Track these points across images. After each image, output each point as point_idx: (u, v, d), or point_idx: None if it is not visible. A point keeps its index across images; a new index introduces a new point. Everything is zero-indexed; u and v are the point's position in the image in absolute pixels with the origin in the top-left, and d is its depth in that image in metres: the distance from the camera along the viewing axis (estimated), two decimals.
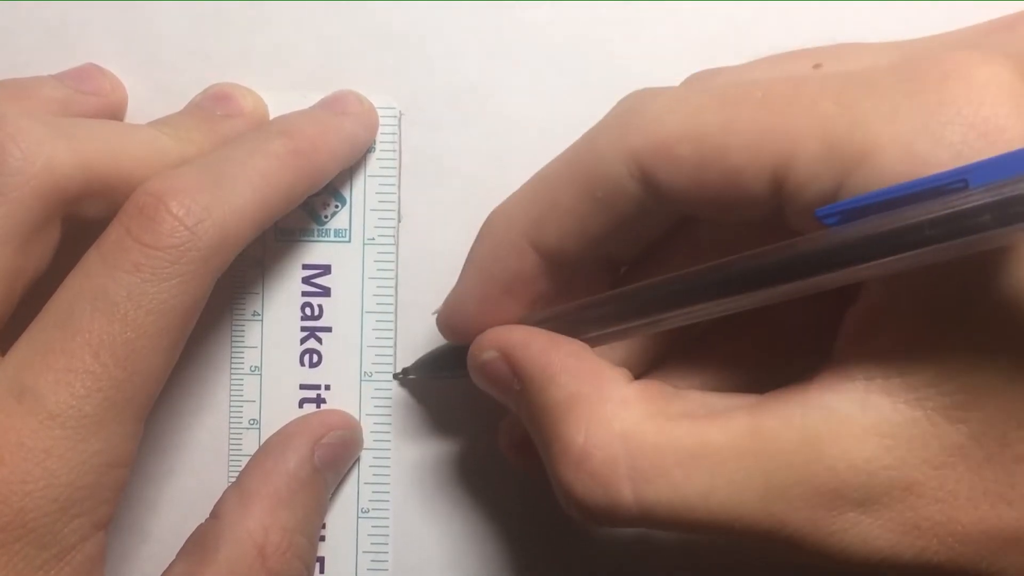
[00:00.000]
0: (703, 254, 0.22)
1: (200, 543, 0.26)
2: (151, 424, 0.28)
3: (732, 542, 0.21)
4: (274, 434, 0.28)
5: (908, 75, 0.19)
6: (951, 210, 0.18)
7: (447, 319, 0.26)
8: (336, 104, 0.28)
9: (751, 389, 0.22)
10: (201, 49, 0.28)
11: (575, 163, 0.23)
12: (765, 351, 0.24)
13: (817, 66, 0.22)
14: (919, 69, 0.19)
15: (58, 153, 0.23)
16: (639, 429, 0.21)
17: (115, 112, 0.28)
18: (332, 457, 0.27)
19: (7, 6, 0.28)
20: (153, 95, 0.28)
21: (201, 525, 0.26)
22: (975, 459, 0.20)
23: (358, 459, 0.29)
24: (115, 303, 0.22)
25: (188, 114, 0.27)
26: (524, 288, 0.24)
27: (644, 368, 0.25)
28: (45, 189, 0.23)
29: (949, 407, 0.19)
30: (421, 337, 0.29)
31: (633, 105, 0.22)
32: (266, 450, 0.27)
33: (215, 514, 0.26)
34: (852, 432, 0.20)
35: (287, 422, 0.28)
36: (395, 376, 0.29)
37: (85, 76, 0.27)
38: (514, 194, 0.24)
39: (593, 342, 0.24)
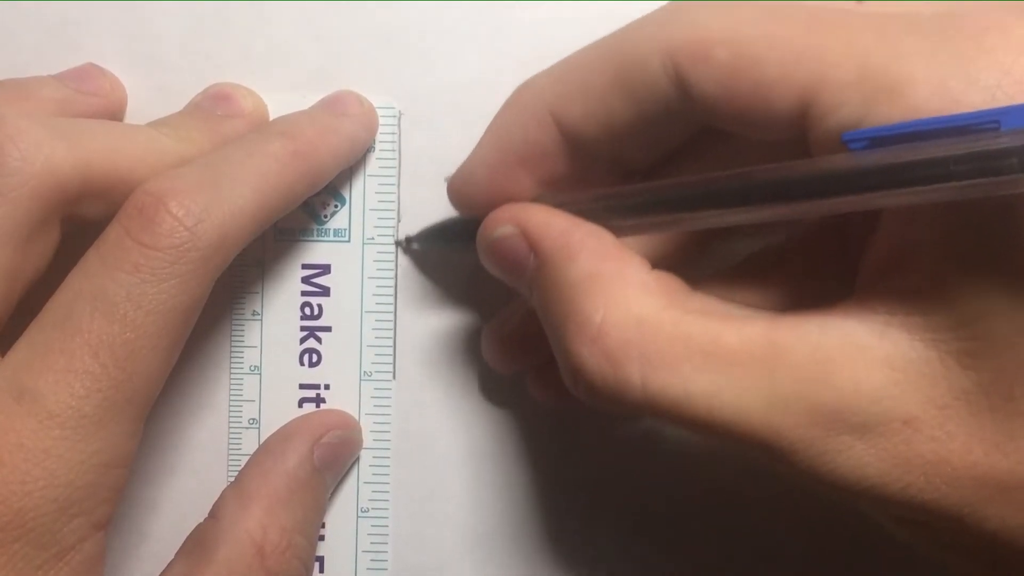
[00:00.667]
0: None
1: (199, 543, 0.26)
2: (151, 423, 0.28)
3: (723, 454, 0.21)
4: (273, 434, 0.28)
5: (949, 23, 0.20)
6: (979, 149, 0.18)
7: (459, 185, 0.26)
8: (336, 105, 0.28)
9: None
10: (201, 49, 0.28)
11: (612, 50, 0.23)
12: (785, 279, 0.25)
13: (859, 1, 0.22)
14: (960, 19, 0.20)
15: (57, 154, 0.23)
16: (656, 317, 0.21)
17: (115, 112, 0.28)
18: (331, 457, 0.27)
19: (7, 6, 0.28)
20: (153, 95, 0.28)
21: (200, 525, 0.26)
22: (979, 406, 0.20)
23: (358, 458, 0.29)
24: (114, 303, 0.22)
25: (188, 114, 0.27)
26: (539, 162, 0.24)
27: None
28: (44, 190, 0.23)
29: (963, 352, 0.20)
30: (421, 337, 0.29)
31: (678, 4, 0.22)
32: (265, 450, 0.27)
33: (214, 514, 0.26)
34: (865, 359, 0.20)
35: (287, 422, 0.28)
36: (397, 243, 0.29)
37: (85, 76, 0.27)
38: (545, 70, 0.24)
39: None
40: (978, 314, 0.19)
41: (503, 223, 0.24)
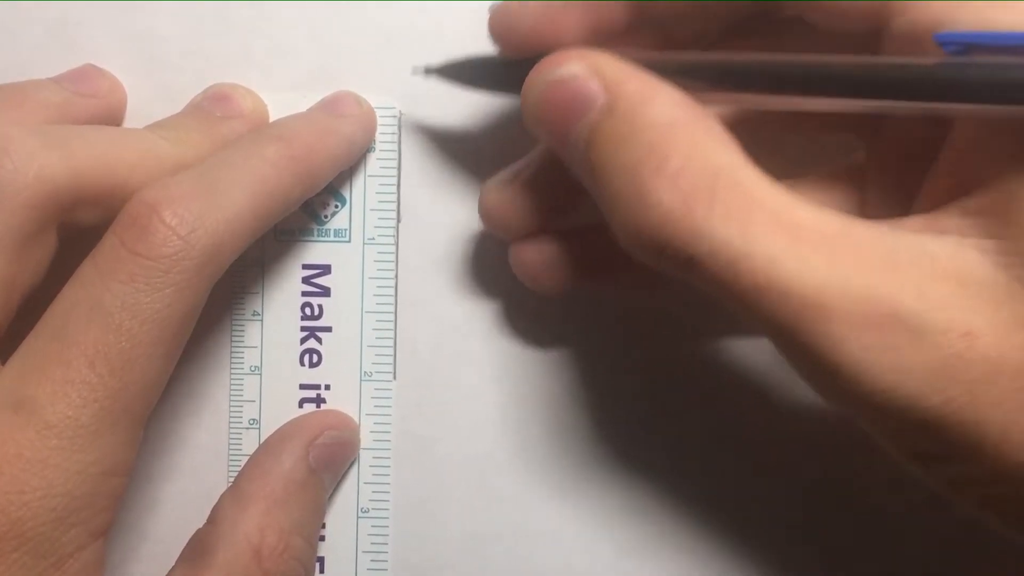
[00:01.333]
0: None
1: (198, 548, 0.26)
2: (151, 424, 0.28)
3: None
4: (270, 436, 0.28)
5: None
6: None
7: (505, 12, 0.24)
8: (334, 106, 0.28)
9: None
10: (201, 49, 0.28)
11: None
12: (845, 197, 0.24)
13: None
14: None
15: (50, 163, 0.23)
16: (736, 172, 0.20)
17: (115, 113, 0.28)
18: (328, 457, 0.27)
19: (7, 6, 0.28)
20: (153, 95, 0.28)
21: (199, 530, 0.26)
22: None
23: (358, 459, 0.29)
24: (110, 313, 0.22)
25: (187, 115, 0.27)
26: (598, 8, 0.23)
27: None
28: (37, 199, 0.23)
29: None
30: (421, 337, 0.29)
31: None
32: (262, 453, 0.27)
33: (212, 518, 0.26)
34: (933, 269, 0.20)
35: (285, 423, 0.28)
36: (416, 70, 0.27)
37: (83, 77, 0.27)
38: None
39: None
40: None
41: (571, 61, 0.22)
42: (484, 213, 0.27)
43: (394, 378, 0.29)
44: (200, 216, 0.23)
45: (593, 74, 0.22)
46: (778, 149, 0.26)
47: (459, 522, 0.29)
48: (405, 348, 0.29)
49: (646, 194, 0.20)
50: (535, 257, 0.27)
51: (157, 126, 0.26)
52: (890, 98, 0.20)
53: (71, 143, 0.24)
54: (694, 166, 0.20)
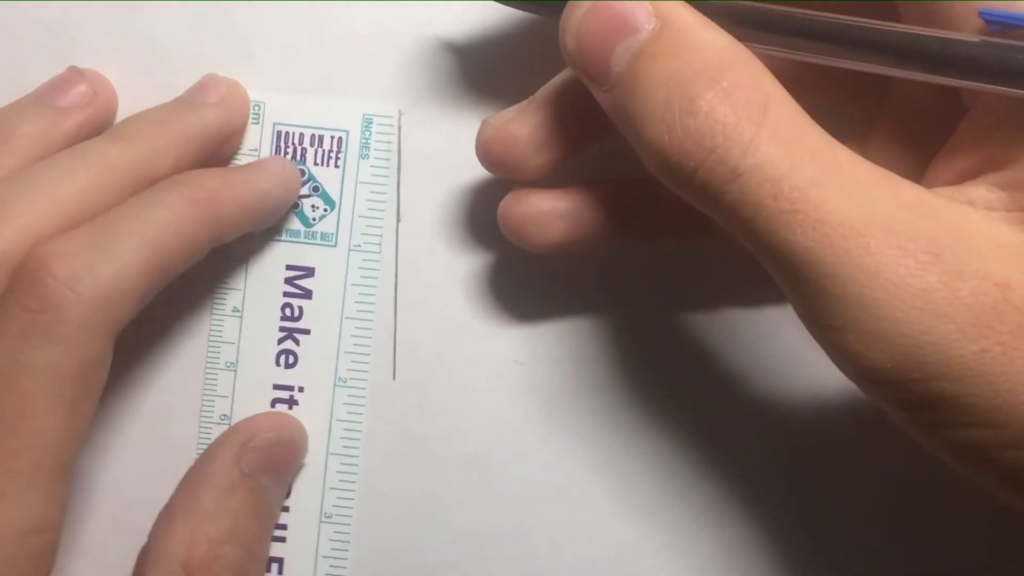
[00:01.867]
0: None
1: (136, 568, 0.27)
2: (127, 418, 0.29)
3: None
4: (205, 450, 0.28)
5: None
6: None
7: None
8: (257, 165, 0.28)
9: None
10: (201, 49, 0.29)
11: None
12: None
13: None
14: None
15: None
16: (787, 101, 0.20)
17: (105, 116, 0.28)
18: (265, 461, 0.28)
19: (7, 6, 0.29)
20: (153, 95, 0.29)
21: (142, 548, 0.27)
22: None
23: (325, 464, 0.29)
24: (3, 372, 0.22)
25: (156, 108, 0.27)
26: None
27: None
28: None
29: None
30: (421, 337, 0.29)
31: None
32: (194, 464, 0.28)
33: (148, 535, 0.27)
34: (969, 221, 0.20)
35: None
36: None
37: (64, 86, 0.28)
38: None
39: None
40: None
41: None
42: (481, 146, 0.26)
43: (394, 378, 0.29)
44: (89, 267, 0.23)
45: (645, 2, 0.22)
46: None
47: (458, 522, 0.29)
48: (405, 349, 0.29)
49: (698, 102, 0.20)
50: (526, 209, 0.26)
51: (118, 124, 0.27)
52: (929, 71, 0.20)
53: (14, 210, 0.24)
54: (749, 84, 0.20)
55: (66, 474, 0.24)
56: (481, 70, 0.28)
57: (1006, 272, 0.19)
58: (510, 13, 0.27)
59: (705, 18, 0.21)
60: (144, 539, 0.27)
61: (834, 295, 0.19)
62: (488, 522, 0.29)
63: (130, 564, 0.28)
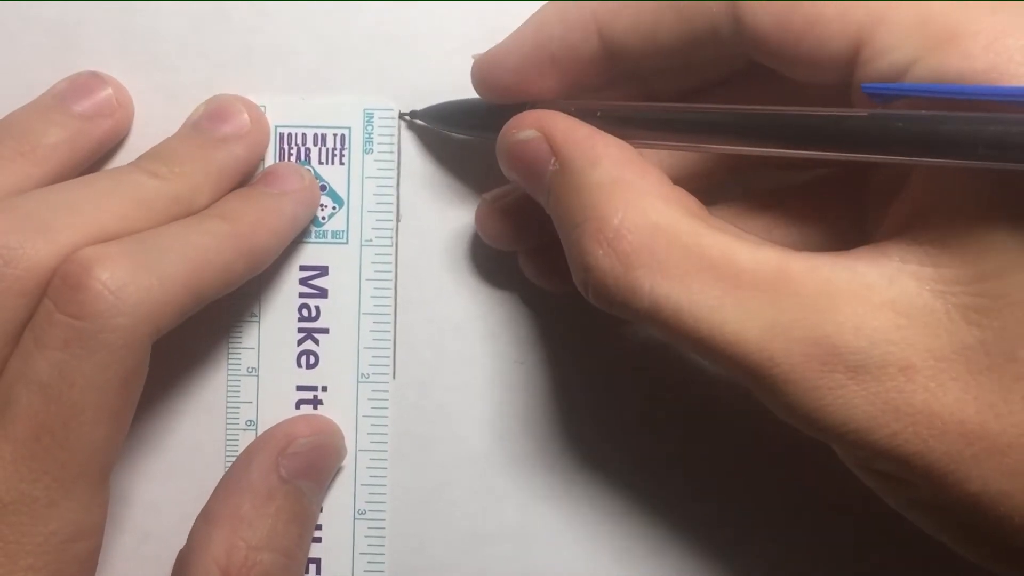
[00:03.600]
0: None
1: (176, 570, 0.26)
2: (149, 425, 0.29)
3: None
4: (241, 453, 0.28)
5: None
6: (1008, 135, 0.18)
7: (486, 66, 0.25)
8: (276, 181, 0.28)
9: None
10: (201, 49, 0.28)
11: None
12: (802, 219, 0.25)
13: None
14: None
15: (39, 251, 0.23)
16: (673, 226, 0.21)
17: (123, 126, 0.28)
18: (303, 466, 0.27)
19: (7, 6, 0.28)
20: (153, 96, 0.28)
21: (180, 550, 0.27)
22: (978, 365, 0.20)
23: (354, 460, 0.29)
24: (48, 384, 0.22)
25: (182, 140, 0.27)
26: (570, 66, 0.24)
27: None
28: (20, 285, 0.23)
29: (970, 308, 0.20)
30: (422, 337, 0.29)
31: None
32: (231, 469, 0.28)
33: (187, 540, 0.27)
34: (871, 300, 0.20)
35: (257, 436, 0.28)
36: (401, 116, 0.29)
37: (87, 92, 0.27)
38: None
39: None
40: (992, 272, 0.19)
41: (526, 127, 0.24)
42: (479, 227, 0.28)
43: (393, 378, 0.29)
44: (133, 273, 0.23)
45: (544, 139, 0.23)
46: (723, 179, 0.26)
47: (458, 522, 0.29)
48: (404, 348, 0.29)
49: (587, 255, 0.22)
50: (533, 268, 0.28)
51: (150, 158, 0.26)
52: (821, 148, 0.20)
53: (56, 223, 0.24)
54: (633, 225, 0.21)
55: (107, 481, 0.24)
56: None
57: (908, 352, 0.20)
58: (510, 13, 0.29)
59: (599, 147, 0.23)
60: (173, 546, 0.27)
61: (761, 395, 0.21)
62: (487, 522, 0.29)
63: (160, 570, 0.27)
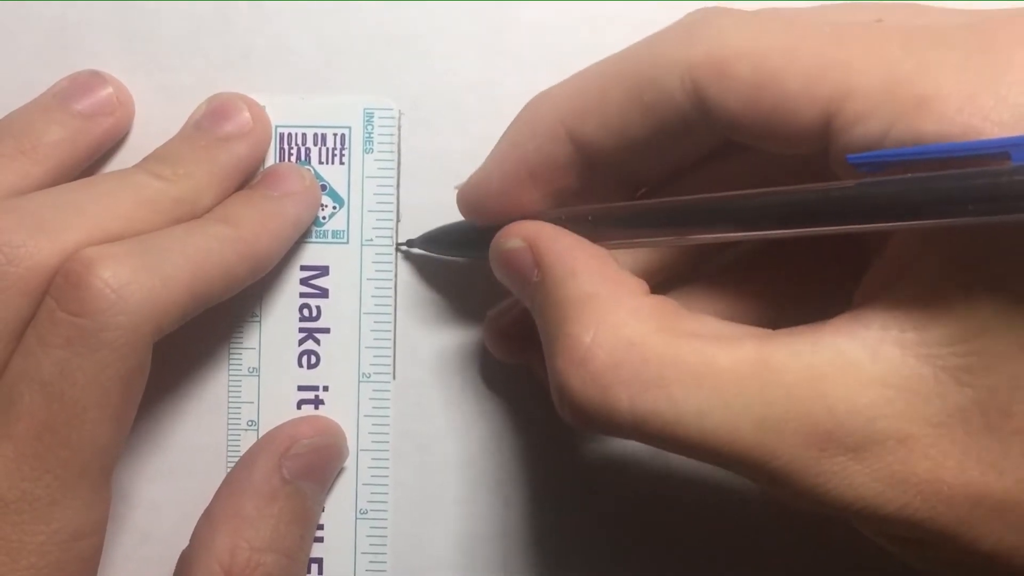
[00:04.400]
0: (729, 190, 0.22)
1: (179, 570, 0.26)
2: (150, 425, 0.29)
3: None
4: (244, 453, 0.28)
5: (979, 34, 0.19)
6: (990, 188, 0.17)
7: (469, 194, 0.26)
8: (277, 183, 0.28)
9: (765, 326, 0.22)
10: (201, 49, 0.28)
11: (629, 64, 0.22)
12: (784, 292, 0.25)
13: (879, 21, 0.21)
14: (991, 30, 0.19)
15: (41, 250, 0.23)
16: (647, 340, 0.21)
17: (123, 125, 0.28)
18: (306, 467, 0.27)
19: (7, 6, 0.28)
20: (153, 95, 0.28)
21: (183, 551, 0.27)
22: (974, 424, 0.19)
23: (356, 460, 0.29)
24: (50, 382, 0.22)
25: (185, 141, 0.27)
26: (550, 176, 0.24)
27: (662, 285, 0.25)
28: (24, 285, 0.23)
29: (959, 369, 0.19)
30: (422, 337, 0.29)
31: (698, 18, 0.22)
32: (234, 470, 0.28)
33: (190, 539, 0.27)
34: (858, 377, 0.20)
35: (261, 436, 0.28)
36: (398, 247, 0.29)
37: (88, 90, 0.27)
38: (562, 82, 0.24)
39: (613, 247, 0.24)
40: (976, 330, 0.19)
41: (513, 237, 0.24)
42: (489, 345, 0.28)
43: (393, 378, 0.29)
44: (135, 272, 0.23)
45: (528, 249, 0.24)
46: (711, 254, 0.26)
47: (459, 522, 0.29)
48: (404, 348, 0.29)
49: (559, 374, 0.21)
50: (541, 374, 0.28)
51: (154, 159, 0.26)
52: (813, 225, 0.20)
53: (61, 223, 0.24)
54: (605, 343, 0.21)
55: (109, 479, 0.24)
56: (481, 70, 0.29)
57: (902, 424, 0.19)
58: (510, 14, 0.29)
59: (578, 260, 0.23)
60: (174, 546, 0.27)
61: (769, 487, 0.21)
62: (487, 522, 0.29)
63: (160, 571, 0.27)
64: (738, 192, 0.21)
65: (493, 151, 0.25)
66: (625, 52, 0.23)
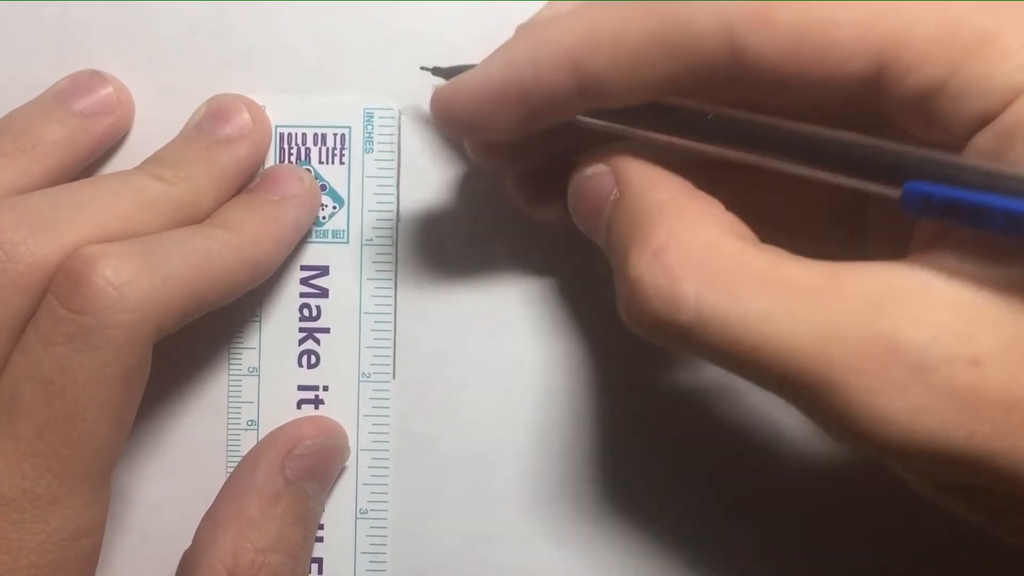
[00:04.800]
0: None
1: (180, 572, 0.26)
2: (150, 424, 0.29)
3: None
4: (247, 453, 0.28)
5: None
6: None
7: (447, 95, 0.23)
8: (276, 185, 0.28)
9: None
10: (201, 49, 0.28)
11: (658, 3, 0.21)
12: (845, 239, 0.24)
13: None
14: None
15: (42, 248, 0.23)
16: (722, 243, 0.20)
17: (123, 125, 0.28)
18: (308, 468, 0.27)
19: (7, 6, 0.28)
20: (153, 95, 0.28)
21: (185, 551, 0.27)
22: None
23: (356, 460, 0.29)
24: (51, 380, 0.22)
25: (186, 143, 0.27)
26: (539, 103, 0.22)
27: None
28: (23, 281, 0.23)
29: None
30: (422, 336, 0.29)
31: None
32: (237, 470, 0.28)
33: (193, 540, 0.27)
34: (929, 297, 0.19)
35: (284, 423, 0.28)
36: (422, 67, 0.28)
37: (87, 90, 0.27)
38: (575, 8, 0.22)
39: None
40: None
41: (596, 162, 0.24)
42: (468, 147, 0.27)
43: (393, 378, 0.29)
44: (136, 271, 0.23)
45: (610, 172, 0.23)
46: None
47: (458, 522, 0.29)
48: (405, 348, 0.29)
49: (631, 267, 0.21)
50: (523, 192, 0.27)
51: (155, 162, 0.26)
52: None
53: (62, 220, 0.24)
54: (680, 241, 0.21)
55: (109, 478, 0.24)
56: None
57: (975, 346, 0.18)
58: (509, 15, 0.29)
59: (655, 176, 0.22)
60: (174, 546, 0.27)
61: (815, 411, 0.20)
62: (487, 522, 0.29)
63: (160, 571, 0.27)
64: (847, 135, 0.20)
65: (485, 62, 0.23)
66: None
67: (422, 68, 0.27)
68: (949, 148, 0.20)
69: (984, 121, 0.19)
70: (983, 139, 0.19)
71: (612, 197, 0.23)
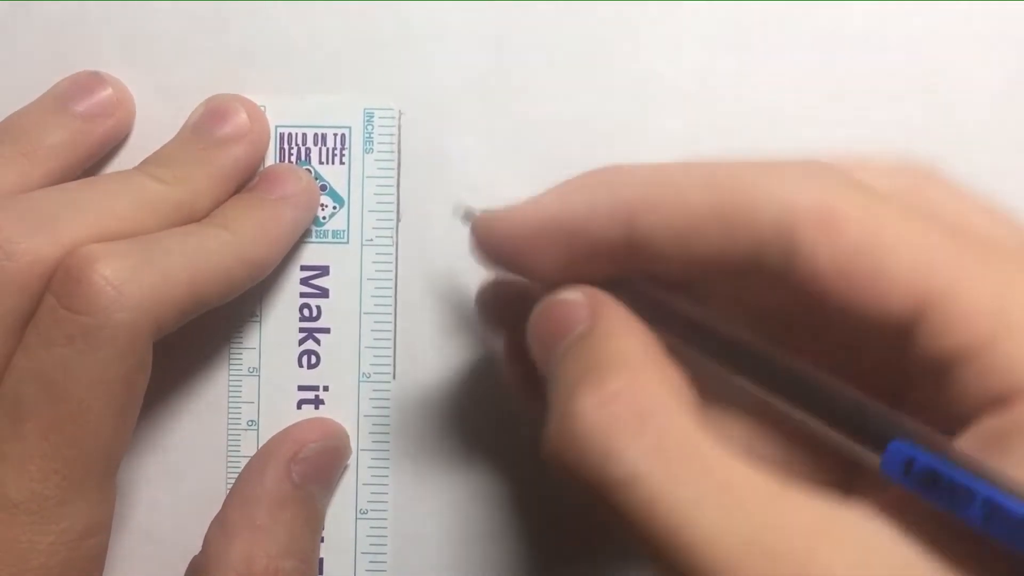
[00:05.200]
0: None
1: None
2: (150, 425, 0.29)
3: None
4: (252, 458, 0.28)
5: None
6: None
7: (491, 223, 0.23)
8: (275, 184, 0.28)
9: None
10: (201, 49, 0.28)
11: (726, 177, 0.20)
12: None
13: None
14: None
15: (40, 246, 0.23)
16: (676, 416, 0.19)
17: (124, 126, 0.28)
18: (313, 471, 0.27)
19: (7, 6, 0.28)
20: (153, 95, 0.28)
21: (194, 558, 0.27)
22: None
23: (356, 460, 0.29)
24: (54, 381, 0.22)
25: (184, 144, 0.27)
26: (586, 249, 0.22)
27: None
28: (26, 282, 0.23)
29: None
30: (422, 337, 0.29)
31: (808, 163, 0.20)
32: (244, 476, 0.27)
33: (203, 548, 0.27)
34: (871, 550, 0.18)
35: (285, 424, 0.28)
36: (455, 211, 0.26)
37: (87, 91, 0.27)
38: (644, 164, 0.22)
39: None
40: None
41: (574, 288, 0.22)
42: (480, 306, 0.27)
43: (393, 378, 0.29)
44: (135, 269, 0.23)
45: (588, 304, 0.22)
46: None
47: (459, 522, 0.29)
48: (405, 348, 0.29)
49: (574, 403, 0.19)
50: (519, 368, 0.26)
51: (153, 163, 0.27)
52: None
53: (60, 220, 0.24)
54: (634, 395, 0.19)
55: (114, 476, 0.24)
56: (481, 70, 0.29)
57: None
58: (510, 14, 0.29)
59: (631, 324, 0.21)
60: (174, 546, 0.27)
61: None
62: (487, 523, 0.29)
63: (160, 571, 0.27)
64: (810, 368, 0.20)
65: (538, 197, 0.22)
66: (721, 165, 0.21)
67: (454, 211, 0.26)
68: (951, 416, 0.19)
69: (998, 402, 0.18)
70: (991, 423, 0.18)
71: (579, 329, 0.22)
